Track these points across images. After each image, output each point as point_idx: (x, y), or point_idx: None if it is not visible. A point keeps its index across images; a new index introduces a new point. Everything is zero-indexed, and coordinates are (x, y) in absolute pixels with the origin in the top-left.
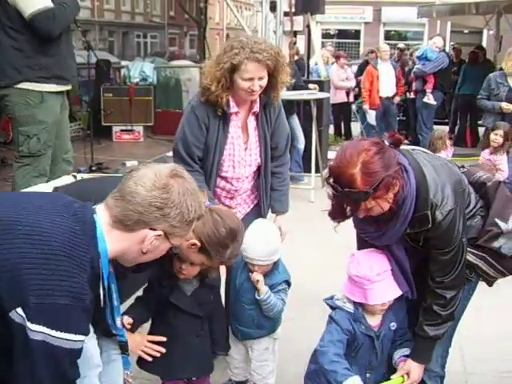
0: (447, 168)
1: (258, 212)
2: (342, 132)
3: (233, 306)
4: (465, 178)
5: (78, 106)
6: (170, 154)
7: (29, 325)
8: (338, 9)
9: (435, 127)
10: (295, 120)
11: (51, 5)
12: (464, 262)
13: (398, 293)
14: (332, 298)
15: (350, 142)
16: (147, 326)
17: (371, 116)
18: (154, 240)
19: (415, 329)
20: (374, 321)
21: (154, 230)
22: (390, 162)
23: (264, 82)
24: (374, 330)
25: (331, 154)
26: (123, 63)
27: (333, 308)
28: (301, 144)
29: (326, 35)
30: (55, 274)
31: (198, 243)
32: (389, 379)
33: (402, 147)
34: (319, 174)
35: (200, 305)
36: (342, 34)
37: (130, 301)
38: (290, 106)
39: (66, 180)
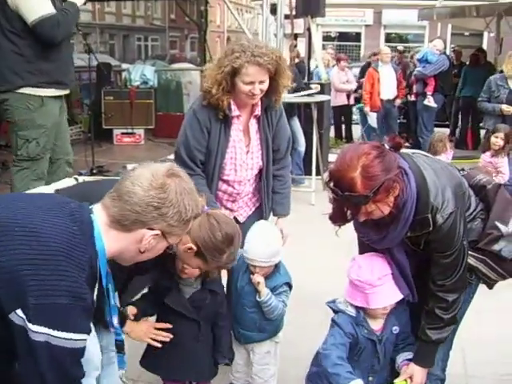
0: (447, 171)
1: (259, 215)
2: (343, 135)
3: (235, 310)
4: (465, 181)
5: (79, 109)
6: (171, 156)
7: (30, 326)
8: (338, 11)
9: (436, 130)
10: (296, 122)
11: (54, 11)
12: (465, 265)
13: (399, 296)
14: (334, 301)
15: (350, 145)
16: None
17: (372, 118)
18: (152, 239)
19: (418, 333)
20: (376, 325)
21: (152, 229)
22: (390, 166)
23: (265, 86)
24: (376, 333)
25: (332, 157)
26: (124, 66)
27: (335, 311)
28: (301, 146)
29: (326, 38)
30: (54, 274)
31: (195, 247)
32: (392, 383)
33: (403, 150)
34: (320, 177)
35: (195, 308)
36: (342, 36)
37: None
38: (291, 109)
39: (67, 182)
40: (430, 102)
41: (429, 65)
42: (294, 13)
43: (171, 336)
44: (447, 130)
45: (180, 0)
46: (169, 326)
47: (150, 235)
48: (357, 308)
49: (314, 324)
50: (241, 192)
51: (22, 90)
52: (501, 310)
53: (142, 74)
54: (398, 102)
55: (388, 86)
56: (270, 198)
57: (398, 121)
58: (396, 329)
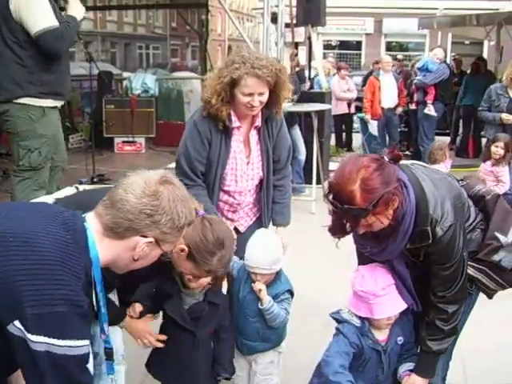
0: (446, 182)
1: (260, 225)
2: (344, 143)
3: (237, 320)
4: (464, 192)
5: (80, 118)
6: (172, 165)
7: (29, 336)
8: (339, 20)
9: (436, 138)
10: (297, 131)
11: (57, 24)
12: (465, 277)
13: (403, 306)
14: (338, 311)
15: (349, 158)
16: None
17: (373, 126)
18: (145, 247)
19: (418, 343)
20: (381, 335)
21: (145, 237)
22: (389, 179)
23: (264, 98)
24: (381, 344)
25: (332, 166)
26: (125, 75)
27: (339, 321)
28: (302, 155)
29: (327, 46)
30: (50, 284)
31: (186, 249)
32: None
33: (402, 162)
34: (320, 186)
35: (193, 319)
36: (343, 45)
37: None
38: (292, 118)
39: (68, 191)
40: (430, 110)
41: (429, 73)
42: (294, 22)
43: (161, 345)
44: (448, 139)
45: (181, 9)
46: (164, 337)
47: (144, 243)
48: (361, 318)
49: (314, 333)
50: (241, 202)
51: (22, 101)
52: (501, 319)
53: (142, 82)
54: (399, 110)
55: (389, 94)
56: (269, 208)
57: (399, 129)
58: (401, 339)
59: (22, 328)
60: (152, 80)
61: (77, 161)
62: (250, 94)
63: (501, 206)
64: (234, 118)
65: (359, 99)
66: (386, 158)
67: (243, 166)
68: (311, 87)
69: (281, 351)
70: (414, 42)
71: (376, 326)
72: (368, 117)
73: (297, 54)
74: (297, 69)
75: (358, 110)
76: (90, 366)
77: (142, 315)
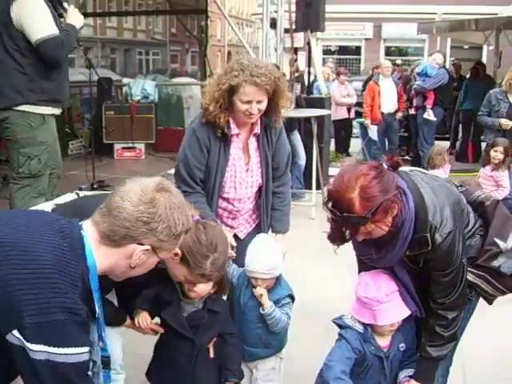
0: (445, 188)
1: (259, 232)
2: (344, 148)
3: (238, 327)
4: (463, 198)
5: (80, 124)
6: (172, 171)
7: (29, 345)
8: (338, 25)
9: (436, 142)
10: (296, 136)
11: (58, 32)
12: (465, 283)
13: (407, 313)
14: (341, 317)
15: (348, 165)
16: None
17: (373, 131)
18: (142, 255)
19: (418, 349)
20: (383, 341)
21: (142, 244)
22: (388, 186)
23: (263, 106)
24: (383, 350)
25: (332, 171)
26: (125, 81)
27: (341, 327)
28: (302, 160)
29: (326, 51)
30: (47, 292)
31: (180, 252)
32: None
33: (401, 169)
34: (320, 191)
35: (193, 327)
36: (342, 50)
37: None
38: (291, 123)
39: (68, 198)
40: (429, 115)
41: (428, 78)
42: (293, 27)
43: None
44: (447, 143)
45: (181, 15)
46: (161, 330)
47: (140, 250)
48: (364, 324)
49: (315, 339)
50: (241, 209)
51: (22, 108)
52: (501, 325)
53: (142, 88)
54: (399, 115)
55: (389, 99)
56: (268, 215)
57: (399, 134)
58: (403, 346)
59: (21, 337)
60: (151, 86)
61: (77, 167)
62: (249, 102)
63: (500, 211)
64: (232, 125)
65: (359, 104)
66: (385, 166)
67: (242, 173)
68: (310, 92)
69: (282, 357)
70: (413, 46)
71: (379, 332)
72: (368, 122)
73: (296, 60)
74: (296, 74)
75: (358, 115)
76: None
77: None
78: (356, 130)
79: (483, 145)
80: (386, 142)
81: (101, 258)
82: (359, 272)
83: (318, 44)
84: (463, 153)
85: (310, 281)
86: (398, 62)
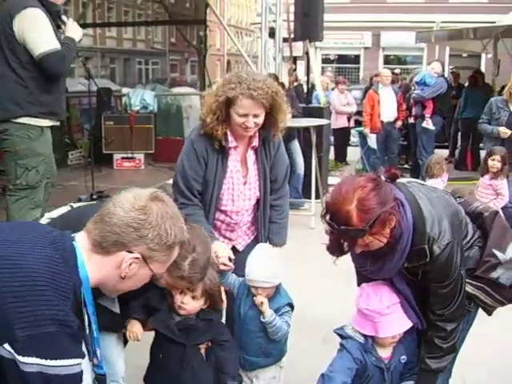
0: (443, 200)
1: (258, 243)
2: (343, 157)
3: (239, 337)
4: (461, 209)
5: (80, 134)
6: (171, 181)
7: (20, 358)
8: (337, 34)
9: (436, 151)
10: (296, 146)
11: (59, 46)
12: (463, 294)
13: (408, 325)
14: (342, 328)
15: (346, 178)
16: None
17: (372, 140)
18: (133, 264)
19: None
20: (384, 353)
21: (132, 252)
22: (386, 198)
23: (259, 120)
24: (384, 361)
25: (331, 180)
26: (124, 91)
27: (343, 337)
28: (300, 170)
29: (325, 60)
30: (38, 304)
31: None
32: None
33: (399, 180)
34: (319, 200)
35: (183, 332)
36: (341, 59)
37: None
38: (291, 133)
39: (61, 210)
40: (428, 124)
41: (427, 87)
42: (292, 36)
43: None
44: (447, 151)
45: (180, 25)
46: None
47: (130, 258)
48: (365, 335)
49: (315, 348)
50: (239, 222)
51: (21, 120)
52: (500, 334)
53: (141, 98)
54: (399, 123)
55: (388, 108)
56: (266, 228)
57: (398, 143)
58: (404, 358)
59: (12, 350)
60: (151, 96)
61: (76, 177)
62: (245, 115)
63: (499, 223)
64: (230, 137)
65: (359, 113)
66: (383, 177)
67: (240, 186)
68: (309, 102)
69: (282, 366)
70: (411, 55)
71: (380, 343)
72: (367, 130)
73: (295, 69)
74: (295, 83)
75: (358, 123)
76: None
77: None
78: (355, 139)
79: (482, 153)
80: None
81: (92, 268)
82: (358, 284)
83: (316, 53)
84: (462, 161)
85: (309, 290)
86: (397, 71)
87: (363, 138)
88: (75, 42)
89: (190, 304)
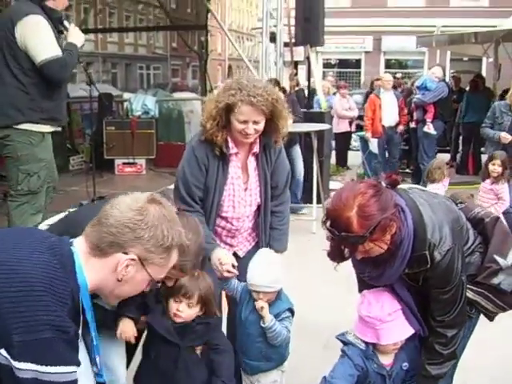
0: (444, 206)
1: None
2: (345, 161)
3: (240, 341)
4: (462, 215)
5: (81, 139)
6: (172, 186)
7: (16, 364)
8: (338, 39)
9: (438, 155)
10: (297, 151)
11: (61, 53)
12: (464, 300)
13: (410, 332)
14: (344, 334)
15: (346, 184)
16: None
17: (374, 144)
18: (130, 266)
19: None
20: (386, 359)
21: (128, 253)
22: (386, 205)
23: (260, 127)
24: (386, 368)
25: (333, 184)
26: (126, 96)
27: (344, 343)
28: (299, 175)
29: (327, 65)
30: (35, 310)
31: None
32: None
33: (400, 186)
34: (321, 205)
35: (179, 332)
36: (342, 63)
37: None
38: (292, 138)
39: (58, 217)
40: (429, 128)
41: (428, 92)
42: (293, 41)
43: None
44: (448, 155)
45: (181, 31)
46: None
47: (126, 259)
48: (366, 342)
49: (316, 352)
50: (239, 228)
51: (23, 126)
52: (502, 340)
53: (143, 104)
54: (401, 128)
55: (390, 112)
56: (267, 234)
57: (400, 147)
58: (406, 365)
59: (8, 356)
60: (152, 101)
61: (77, 182)
62: (245, 122)
63: (500, 228)
64: (231, 144)
65: (360, 117)
66: (384, 184)
67: (241, 192)
68: (311, 107)
69: (284, 370)
70: (412, 59)
71: (382, 350)
72: (369, 135)
73: (296, 74)
74: (296, 88)
75: (359, 128)
76: None
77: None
78: (356, 143)
79: (484, 157)
80: (387, 156)
81: (90, 272)
82: (359, 290)
83: (317, 58)
84: (464, 165)
85: (310, 295)
86: (398, 75)
87: (364, 142)
88: (77, 48)
89: (185, 312)
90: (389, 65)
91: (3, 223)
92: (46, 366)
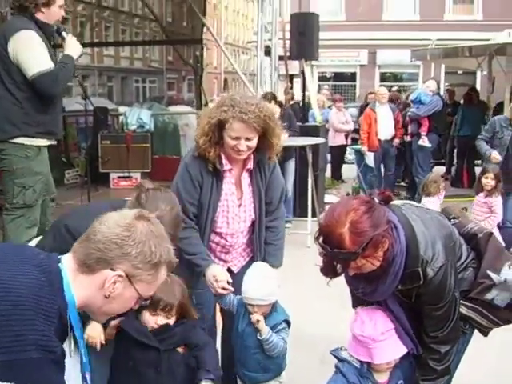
0: (437, 222)
1: None
2: (340, 175)
3: (238, 353)
4: (455, 231)
5: (76, 153)
6: None
7: None
8: (333, 52)
9: (435, 169)
10: (291, 166)
11: (52, 66)
12: (457, 316)
13: (403, 351)
14: (337, 350)
15: (339, 200)
16: None
17: (370, 158)
18: (117, 282)
19: None
20: (381, 377)
21: (115, 270)
22: (379, 221)
23: (252, 143)
24: None
25: (328, 198)
26: (121, 109)
27: (339, 359)
28: (288, 191)
29: (322, 78)
30: (21, 329)
31: None
32: None
33: (393, 202)
34: (316, 219)
35: (156, 335)
36: (338, 76)
37: None
38: (287, 152)
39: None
40: (424, 142)
41: (422, 106)
42: (288, 54)
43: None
44: (443, 168)
45: (177, 45)
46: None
47: (113, 275)
48: (361, 360)
49: (312, 364)
50: (233, 244)
51: (19, 140)
52: (496, 355)
53: (138, 117)
54: (397, 141)
55: (386, 126)
56: (262, 249)
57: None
58: (401, 383)
59: None
60: (147, 115)
61: (73, 196)
62: (237, 138)
63: (493, 244)
64: (225, 160)
65: (355, 130)
66: (377, 200)
67: (235, 208)
68: (306, 120)
69: (282, 381)
70: (407, 72)
71: (376, 369)
72: (365, 149)
73: (291, 88)
74: (291, 102)
75: (355, 141)
76: None
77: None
78: (351, 157)
79: (478, 170)
80: (382, 169)
81: (78, 289)
82: (353, 306)
83: (313, 71)
84: (458, 178)
85: (305, 309)
86: (394, 88)
87: (360, 155)
88: (73, 60)
89: (163, 322)
90: (384, 78)
91: None
92: None
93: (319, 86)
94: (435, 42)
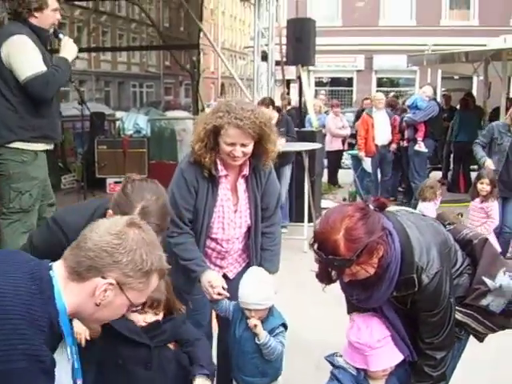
0: (432, 228)
1: None
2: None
3: (236, 358)
4: (451, 237)
5: (73, 158)
6: None
7: None
8: (330, 57)
9: (432, 174)
10: (287, 171)
11: (45, 69)
12: (453, 322)
13: (399, 358)
14: (333, 355)
15: (334, 207)
16: None
17: (367, 163)
18: (108, 290)
19: None
20: None
21: (106, 278)
22: (373, 228)
23: (248, 149)
24: None
25: (325, 203)
26: (118, 115)
27: (334, 365)
28: (282, 196)
29: (319, 83)
30: (10, 339)
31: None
32: None
33: (388, 209)
34: (312, 224)
35: (146, 332)
36: (334, 81)
37: None
38: (285, 158)
39: None
40: (420, 147)
41: (418, 111)
42: (284, 59)
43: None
44: (440, 173)
45: (174, 50)
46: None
47: (104, 283)
48: (357, 368)
49: (307, 368)
50: (229, 250)
51: (15, 145)
52: (492, 361)
53: (135, 123)
54: (394, 146)
55: (383, 131)
56: (258, 256)
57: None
58: None
59: None
60: (144, 120)
61: (69, 202)
62: (232, 144)
63: (488, 250)
64: (220, 166)
65: (352, 135)
66: (372, 206)
67: (230, 214)
68: (302, 126)
69: None
70: (404, 77)
71: (372, 376)
72: (362, 154)
73: (288, 93)
74: (288, 107)
75: (351, 146)
76: None
77: None
78: (347, 162)
79: (474, 174)
80: (379, 175)
81: (68, 296)
82: (348, 312)
83: (309, 76)
84: (455, 183)
85: (302, 314)
86: (391, 94)
87: (356, 160)
88: (68, 63)
89: (151, 319)
90: (380, 83)
91: None
92: None
93: (316, 91)
94: (431, 48)
